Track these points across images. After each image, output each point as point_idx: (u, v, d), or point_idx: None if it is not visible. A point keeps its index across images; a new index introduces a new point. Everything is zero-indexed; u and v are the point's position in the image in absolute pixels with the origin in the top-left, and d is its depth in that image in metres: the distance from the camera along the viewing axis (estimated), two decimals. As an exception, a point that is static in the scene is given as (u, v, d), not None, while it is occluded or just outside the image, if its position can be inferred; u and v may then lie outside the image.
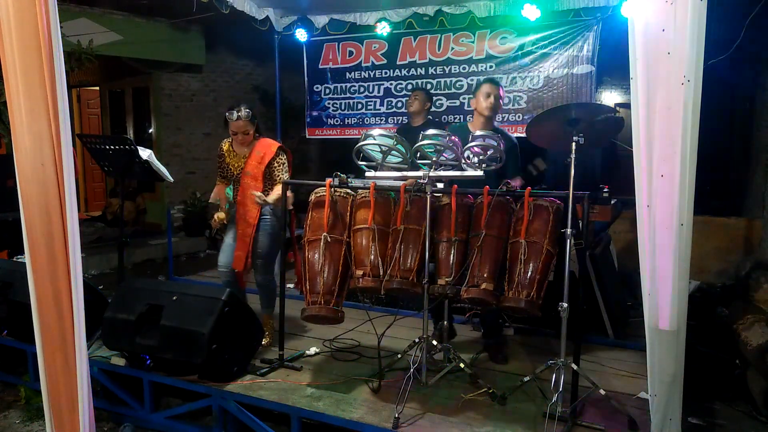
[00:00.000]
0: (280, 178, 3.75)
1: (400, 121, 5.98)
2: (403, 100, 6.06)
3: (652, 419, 2.46)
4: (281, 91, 6.67)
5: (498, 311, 3.74)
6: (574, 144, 2.87)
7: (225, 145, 3.93)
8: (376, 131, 3.14)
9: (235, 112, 3.68)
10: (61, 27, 2.46)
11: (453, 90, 5.83)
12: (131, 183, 8.31)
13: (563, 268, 2.89)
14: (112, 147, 3.91)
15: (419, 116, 4.94)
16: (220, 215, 3.80)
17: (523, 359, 3.75)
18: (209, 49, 8.25)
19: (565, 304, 2.87)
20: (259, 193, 3.61)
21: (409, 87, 5.98)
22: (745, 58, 5.76)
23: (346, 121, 6.44)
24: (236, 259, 3.77)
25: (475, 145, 3.06)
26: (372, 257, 3.17)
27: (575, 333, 2.95)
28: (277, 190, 3.70)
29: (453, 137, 3.05)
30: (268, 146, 3.80)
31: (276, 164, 3.77)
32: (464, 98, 5.78)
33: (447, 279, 3.07)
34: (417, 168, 3.14)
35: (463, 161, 3.09)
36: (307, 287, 3.22)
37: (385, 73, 6.16)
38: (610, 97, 7.82)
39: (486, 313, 3.82)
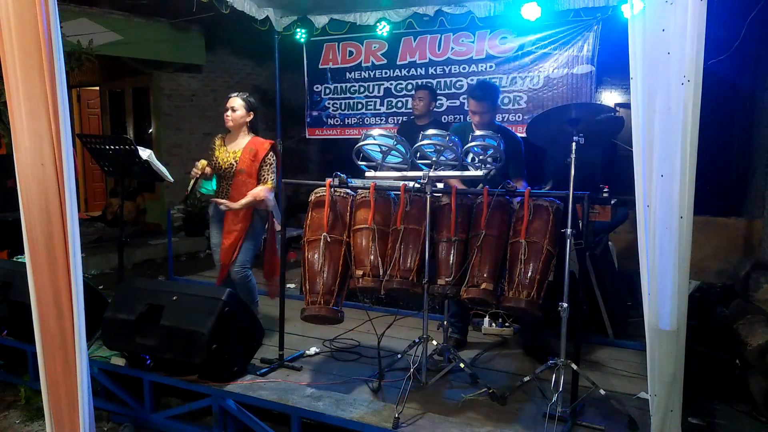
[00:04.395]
0: (264, 179, 3.80)
1: (400, 121, 5.99)
2: (404, 100, 6.06)
3: (652, 419, 2.46)
4: (281, 91, 6.67)
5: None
6: (574, 144, 2.87)
7: (218, 141, 3.96)
8: (376, 131, 3.14)
9: (237, 92, 3.92)
10: (61, 27, 2.46)
11: (453, 90, 5.83)
12: (131, 183, 8.31)
13: (563, 268, 2.90)
14: (112, 147, 3.91)
15: (426, 116, 4.95)
16: (201, 161, 3.81)
17: (523, 359, 3.75)
18: (209, 49, 8.25)
19: (565, 304, 2.87)
20: (223, 201, 3.71)
21: (409, 87, 5.98)
22: (745, 58, 5.77)
23: (346, 121, 6.44)
24: (225, 252, 3.80)
25: (475, 145, 3.06)
26: (372, 257, 3.17)
27: (575, 333, 2.95)
28: (249, 196, 3.73)
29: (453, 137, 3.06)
30: (261, 143, 3.85)
31: (265, 163, 3.80)
32: (464, 98, 5.78)
33: (447, 279, 3.07)
34: (417, 168, 3.14)
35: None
36: (307, 287, 3.22)
37: (385, 73, 6.16)
38: (610, 97, 7.81)
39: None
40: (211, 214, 3.97)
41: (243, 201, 3.72)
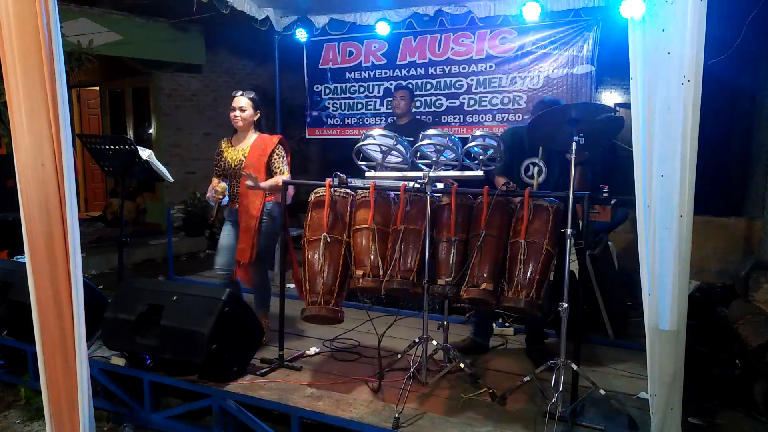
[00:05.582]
0: (280, 170, 3.78)
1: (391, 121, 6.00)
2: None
3: (652, 419, 2.46)
4: (281, 91, 6.66)
5: (542, 319, 3.71)
6: (574, 144, 2.87)
7: (224, 143, 3.96)
8: (376, 131, 3.14)
9: (240, 90, 3.88)
10: (61, 27, 2.46)
11: (453, 90, 5.83)
12: (131, 183, 8.31)
13: (563, 268, 2.89)
14: (112, 147, 3.91)
15: (406, 116, 4.97)
16: (221, 185, 3.76)
17: (523, 359, 3.75)
18: (209, 49, 8.25)
19: (565, 304, 2.87)
20: (250, 174, 3.53)
21: (410, 87, 5.98)
22: (745, 58, 5.76)
23: (346, 121, 6.44)
24: (240, 252, 3.74)
25: (475, 145, 3.06)
26: (372, 257, 3.17)
27: (575, 333, 2.95)
28: (274, 179, 3.72)
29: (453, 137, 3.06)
30: (269, 139, 3.85)
31: (275, 156, 3.79)
32: (464, 98, 5.78)
33: (447, 279, 3.07)
34: (417, 168, 3.14)
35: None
36: (307, 287, 3.22)
37: (385, 73, 6.15)
38: (610, 97, 7.81)
39: (530, 320, 3.76)
40: (226, 215, 3.95)
41: (271, 181, 3.69)
